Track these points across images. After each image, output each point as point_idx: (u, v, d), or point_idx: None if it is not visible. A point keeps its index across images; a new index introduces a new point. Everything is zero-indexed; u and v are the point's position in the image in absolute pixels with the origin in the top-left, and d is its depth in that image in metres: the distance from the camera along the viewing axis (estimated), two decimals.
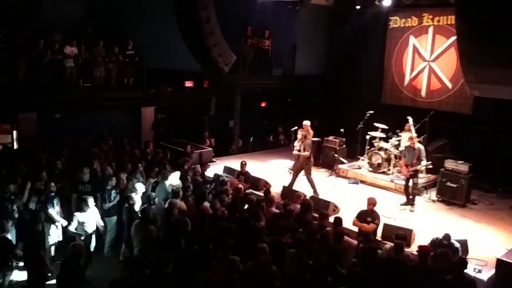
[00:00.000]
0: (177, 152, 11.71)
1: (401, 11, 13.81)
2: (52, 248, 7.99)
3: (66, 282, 5.75)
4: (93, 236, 7.89)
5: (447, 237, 6.85)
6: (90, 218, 7.70)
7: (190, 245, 6.47)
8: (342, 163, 12.09)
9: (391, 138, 11.50)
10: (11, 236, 7.10)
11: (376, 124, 11.73)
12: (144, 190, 8.51)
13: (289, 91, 15.78)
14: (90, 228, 7.69)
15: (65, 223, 7.89)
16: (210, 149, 12.98)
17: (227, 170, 10.98)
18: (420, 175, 10.04)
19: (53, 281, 6.32)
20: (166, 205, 7.78)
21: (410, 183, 9.66)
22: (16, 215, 7.46)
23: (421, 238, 7.62)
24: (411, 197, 9.68)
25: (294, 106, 15.93)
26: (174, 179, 8.96)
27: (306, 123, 11.22)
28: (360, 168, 11.91)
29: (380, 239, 7.73)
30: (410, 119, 11.10)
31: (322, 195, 9.66)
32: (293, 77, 15.30)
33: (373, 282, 5.65)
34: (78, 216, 7.59)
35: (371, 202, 7.68)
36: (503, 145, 11.19)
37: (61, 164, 9.23)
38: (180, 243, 6.55)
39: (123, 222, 8.12)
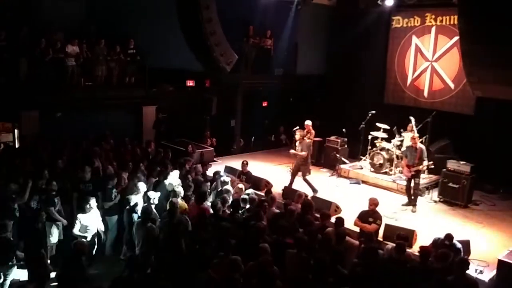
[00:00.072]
0: (179, 152, 11.71)
1: (403, 11, 13.78)
2: (53, 247, 7.98)
3: (67, 281, 5.74)
4: (95, 237, 7.88)
5: (449, 237, 6.82)
6: (92, 219, 7.69)
7: (191, 245, 6.46)
8: (344, 163, 12.07)
9: (396, 134, 11.45)
10: (12, 235, 7.10)
11: (378, 124, 11.70)
12: (146, 189, 8.50)
13: (290, 90, 15.78)
14: (92, 229, 7.69)
15: (65, 222, 7.89)
16: (212, 148, 12.98)
17: (229, 169, 10.98)
18: (422, 175, 10.03)
19: (54, 280, 6.31)
20: (167, 205, 7.76)
21: (412, 184, 9.64)
22: (17, 214, 7.46)
23: (423, 239, 7.60)
24: (412, 197, 9.67)
25: (296, 106, 15.90)
26: (173, 178, 8.96)
27: (308, 123, 11.24)
28: (362, 168, 11.89)
29: (381, 239, 7.73)
30: (413, 119, 11.09)
31: (323, 195, 9.64)
32: (295, 77, 15.29)
33: (375, 283, 5.63)
34: (81, 217, 7.58)
35: (373, 203, 7.65)
36: (505, 146, 11.16)
37: (63, 163, 9.22)
38: (181, 243, 6.54)
39: (123, 221, 8.12)
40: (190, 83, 13.87)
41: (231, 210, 7.56)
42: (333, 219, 7.43)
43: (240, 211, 7.68)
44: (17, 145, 11.17)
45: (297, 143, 10.24)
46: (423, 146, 9.74)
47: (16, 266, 6.80)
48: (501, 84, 8.50)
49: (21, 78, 10.80)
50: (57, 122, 11.63)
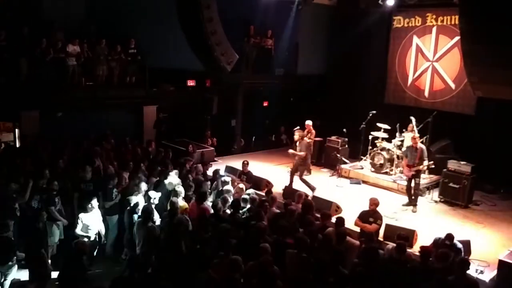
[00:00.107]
0: (179, 151, 11.71)
1: (404, 11, 13.77)
2: (54, 247, 7.98)
3: (67, 281, 5.75)
4: (96, 237, 7.89)
5: (449, 237, 6.82)
6: (94, 219, 7.70)
7: (192, 245, 6.46)
8: (345, 163, 12.06)
9: (398, 132, 11.44)
10: (12, 234, 7.10)
11: (378, 124, 11.70)
12: (147, 189, 8.50)
13: (291, 90, 15.77)
14: (94, 229, 7.69)
15: (66, 222, 7.89)
16: (212, 148, 12.98)
17: (229, 169, 10.98)
18: (422, 175, 10.03)
19: (55, 280, 6.32)
20: (167, 204, 7.77)
21: (412, 184, 9.64)
22: (18, 214, 7.46)
23: (424, 239, 7.59)
24: (413, 197, 9.67)
25: (297, 105, 15.90)
26: (173, 177, 8.96)
27: (308, 122, 11.25)
28: (362, 168, 11.89)
29: (382, 239, 7.72)
30: (413, 119, 11.09)
31: (324, 195, 9.62)
32: (296, 77, 15.29)
33: (375, 283, 5.63)
34: (83, 217, 7.59)
35: (373, 203, 7.65)
36: (506, 146, 11.15)
37: (63, 163, 9.23)
38: (181, 242, 6.54)
39: (124, 221, 8.12)
40: (190, 82, 13.87)
41: (232, 210, 7.56)
42: (333, 219, 7.42)
43: (240, 211, 7.68)
44: (17, 145, 11.17)
45: (296, 143, 10.24)
46: (423, 146, 9.74)
47: (16, 266, 6.81)
48: (502, 84, 8.48)
49: (21, 78, 10.80)
50: (58, 121, 11.64)
